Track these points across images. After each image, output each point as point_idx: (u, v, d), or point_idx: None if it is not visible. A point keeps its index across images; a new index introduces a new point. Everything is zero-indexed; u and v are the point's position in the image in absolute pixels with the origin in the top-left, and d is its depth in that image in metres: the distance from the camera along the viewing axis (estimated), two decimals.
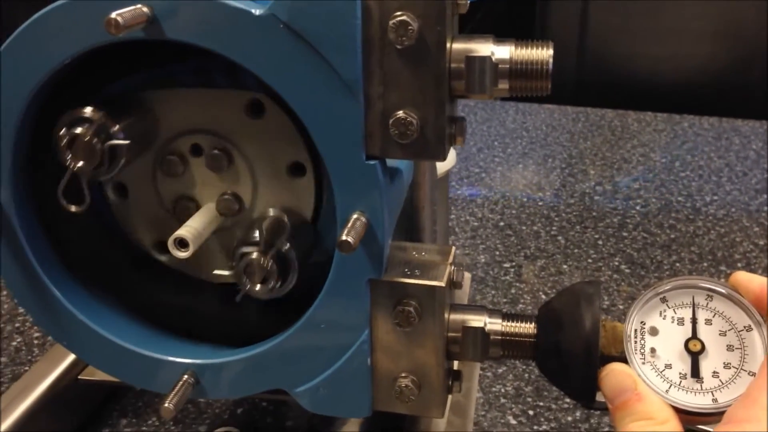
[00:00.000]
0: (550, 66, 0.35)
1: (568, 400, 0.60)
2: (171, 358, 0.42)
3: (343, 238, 0.34)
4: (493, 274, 0.77)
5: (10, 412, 0.51)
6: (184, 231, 0.39)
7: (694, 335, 0.37)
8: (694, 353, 0.37)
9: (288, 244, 0.38)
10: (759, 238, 0.84)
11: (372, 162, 0.36)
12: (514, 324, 0.40)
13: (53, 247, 0.43)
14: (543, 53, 0.35)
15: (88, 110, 0.37)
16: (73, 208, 0.38)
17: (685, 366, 0.37)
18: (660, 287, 0.38)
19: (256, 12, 0.34)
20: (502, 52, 0.35)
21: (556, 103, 1.23)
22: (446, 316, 0.40)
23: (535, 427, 0.57)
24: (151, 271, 0.45)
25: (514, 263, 0.79)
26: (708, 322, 0.37)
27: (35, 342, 0.67)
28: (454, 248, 0.42)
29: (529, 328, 0.40)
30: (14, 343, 0.66)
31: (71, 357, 0.55)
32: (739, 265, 0.79)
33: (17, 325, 0.69)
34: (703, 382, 0.36)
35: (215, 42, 0.35)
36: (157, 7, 0.35)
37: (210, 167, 0.41)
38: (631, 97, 1.28)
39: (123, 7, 0.34)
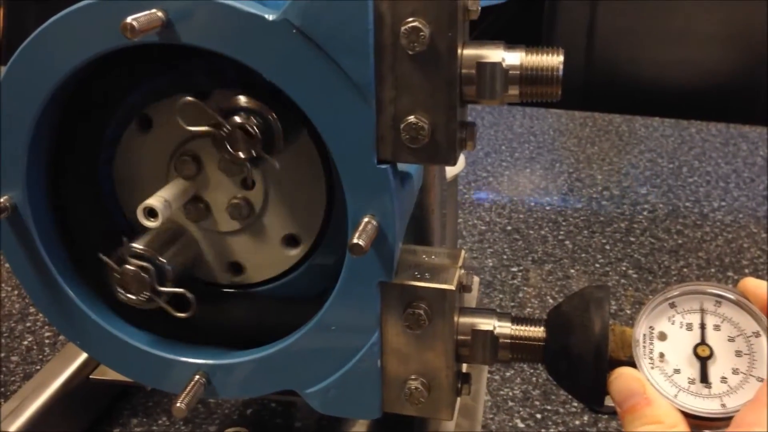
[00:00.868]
0: (561, 72, 0.35)
1: (576, 403, 0.60)
2: (183, 359, 0.42)
3: (354, 241, 0.35)
4: (500, 278, 0.77)
5: (22, 411, 0.51)
6: (154, 200, 0.39)
7: (703, 341, 0.37)
8: (703, 358, 0.37)
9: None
10: (766, 244, 0.84)
11: (383, 166, 0.36)
12: (523, 327, 0.41)
13: (67, 248, 0.43)
14: (553, 59, 0.36)
15: (138, 247, 0.39)
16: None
17: (694, 371, 0.37)
18: (669, 293, 0.38)
19: (270, 17, 0.35)
20: (513, 58, 0.36)
21: (563, 108, 1.23)
22: (456, 319, 0.40)
23: (543, 431, 0.57)
24: None
25: (521, 267, 0.79)
26: (716, 327, 0.37)
27: (47, 341, 0.67)
28: (464, 252, 0.42)
29: (538, 331, 0.40)
30: (26, 342, 0.67)
31: (83, 356, 0.55)
32: (746, 271, 0.79)
33: (29, 324, 0.70)
34: (711, 387, 0.36)
35: (228, 46, 0.36)
36: (172, 12, 0.35)
37: (224, 171, 0.41)
38: (638, 103, 1.28)
39: (138, 12, 0.34)
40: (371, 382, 0.40)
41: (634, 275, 0.78)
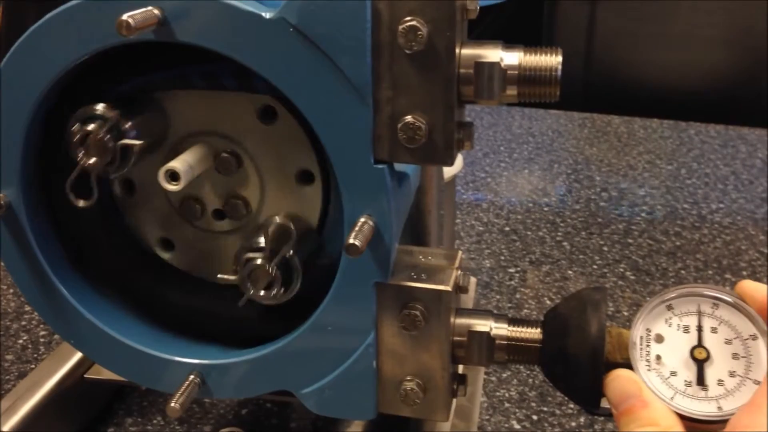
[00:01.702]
0: (559, 72, 0.35)
1: (572, 405, 0.60)
2: (178, 358, 0.42)
3: (351, 241, 0.35)
4: (498, 279, 0.77)
5: (16, 410, 0.51)
6: (177, 163, 0.38)
7: (700, 343, 0.37)
8: (700, 361, 0.37)
9: (293, 252, 0.38)
10: (764, 246, 0.84)
11: (380, 166, 0.36)
12: (519, 329, 0.41)
13: (62, 246, 0.43)
14: (552, 60, 0.35)
15: (101, 107, 0.37)
16: (80, 203, 0.38)
17: (691, 373, 0.37)
18: (666, 295, 0.38)
19: (267, 15, 0.35)
20: (511, 58, 0.36)
21: (562, 109, 1.23)
22: (452, 320, 0.40)
23: None
24: (159, 271, 0.45)
25: (519, 268, 0.79)
26: (714, 330, 0.37)
27: (41, 340, 0.67)
28: (460, 253, 0.42)
29: (534, 333, 0.40)
30: (20, 341, 0.67)
31: (77, 355, 0.55)
32: (744, 273, 0.79)
33: (23, 323, 0.69)
34: (708, 389, 0.36)
35: (225, 45, 0.35)
36: (168, 10, 0.35)
37: (219, 170, 0.41)
38: (637, 104, 1.28)
39: (134, 9, 0.34)
40: (367, 382, 0.40)
41: (632, 277, 0.78)
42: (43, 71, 0.38)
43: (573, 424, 0.58)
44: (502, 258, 0.81)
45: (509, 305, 0.73)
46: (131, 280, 0.45)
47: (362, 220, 0.36)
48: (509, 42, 0.36)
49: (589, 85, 1.50)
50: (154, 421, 0.58)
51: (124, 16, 0.33)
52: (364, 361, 0.40)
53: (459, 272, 0.40)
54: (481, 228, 0.88)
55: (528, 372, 0.63)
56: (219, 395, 0.43)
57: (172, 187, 0.38)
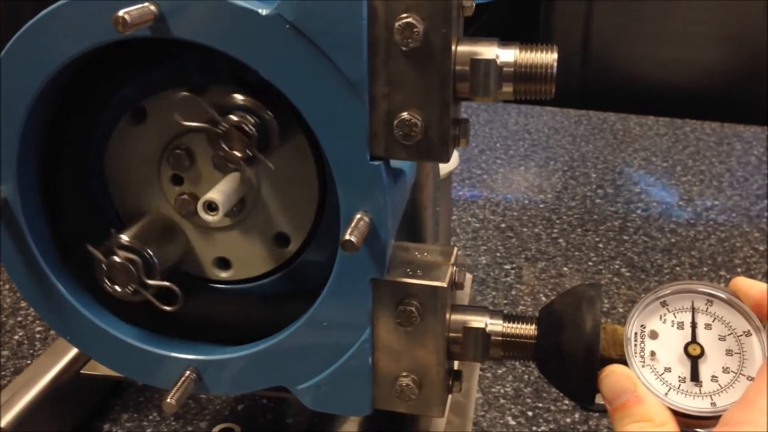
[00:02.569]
0: (554, 70, 0.35)
1: (567, 401, 0.60)
2: (174, 354, 0.42)
3: (347, 237, 0.35)
4: (493, 276, 0.78)
5: (12, 405, 0.51)
6: (215, 194, 0.39)
7: (694, 339, 0.37)
8: (694, 357, 0.37)
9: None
10: (759, 243, 0.84)
11: (376, 162, 0.36)
12: (515, 325, 0.41)
13: (57, 242, 0.43)
14: (547, 57, 0.36)
15: (125, 238, 0.39)
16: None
17: (685, 370, 0.37)
18: (660, 291, 0.38)
19: (263, 12, 0.35)
20: (507, 55, 0.36)
21: (558, 106, 1.23)
22: (448, 316, 0.40)
23: (534, 428, 0.58)
24: None
25: (514, 265, 0.80)
26: (708, 326, 0.37)
27: (37, 336, 0.67)
28: (456, 249, 0.42)
29: (530, 329, 0.40)
30: (16, 337, 0.67)
31: (73, 351, 0.55)
32: (738, 270, 0.79)
33: (19, 318, 0.69)
34: (702, 385, 0.37)
35: (221, 41, 0.35)
36: (164, 6, 0.35)
37: (216, 166, 0.41)
38: (633, 101, 1.28)
39: (130, 5, 0.34)
40: (362, 378, 0.40)
41: (627, 273, 0.78)
42: (39, 67, 0.38)
43: (568, 420, 0.58)
44: (498, 255, 0.81)
45: (505, 302, 0.73)
46: None
47: (358, 216, 0.36)
48: (506, 39, 0.36)
49: (585, 82, 1.50)
50: (150, 417, 0.58)
51: (121, 12, 0.33)
52: (360, 357, 0.40)
53: (455, 268, 0.40)
54: (477, 225, 0.88)
55: (523, 368, 0.64)
56: (215, 391, 0.43)
57: (210, 218, 0.39)
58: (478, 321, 0.41)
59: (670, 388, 0.37)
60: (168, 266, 0.41)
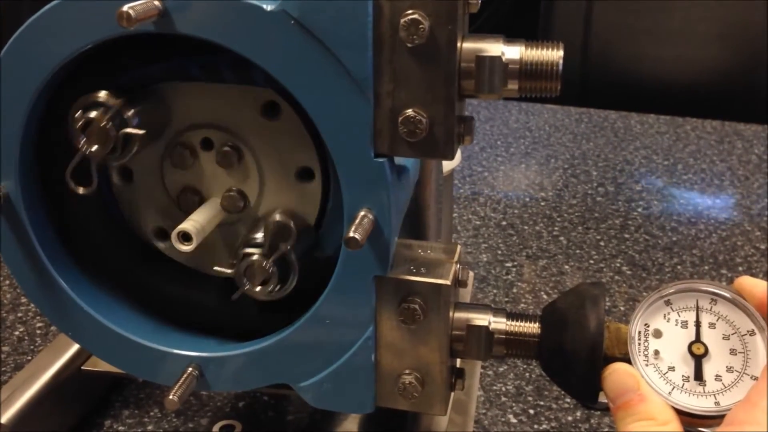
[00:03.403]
0: (560, 67, 0.35)
1: (568, 399, 0.60)
2: (175, 351, 0.42)
3: (351, 234, 0.35)
4: (494, 273, 0.77)
5: (12, 401, 0.51)
6: (188, 225, 0.39)
7: (698, 338, 0.37)
8: (698, 356, 0.37)
9: (290, 249, 0.38)
10: (760, 242, 0.84)
11: (380, 160, 0.36)
12: (518, 323, 0.41)
13: (60, 238, 0.43)
14: (553, 54, 0.35)
15: (104, 95, 0.37)
16: (80, 190, 0.38)
17: (689, 369, 0.37)
18: (664, 290, 0.38)
19: (267, 8, 0.34)
20: (513, 52, 0.36)
21: (559, 104, 1.22)
22: (451, 314, 0.40)
23: (536, 426, 0.58)
24: (157, 263, 0.45)
25: (515, 263, 0.79)
26: (711, 325, 0.37)
27: (38, 332, 0.67)
28: (459, 246, 0.42)
29: (533, 327, 0.40)
30: (17, 333, 0.67)
31: (74, 347, 0.55)
32: (740, 268, 0.79)
33: (20, 314, 0.69)
34: (705, 385, 0.37)
35: (225, 37, 0.35)
36: (169, 1, 0.35)
37: (219, 163, 0.41)
38: (634, 99, 1.28)
39: (135, 0, 0.34)
40: (365, 376, 0.40)
41: (628, 272, 0.78)
42: (41, 62, 0.37)
43: (569, 418, 0.58)
44: (499, 252, 0.81)
45: (506, 299, 0.73)
46: (129, 273, 0.45)
47: (362, 213, 0.36)
48: (507, 37, 0.36)
49: (586, 80, 1.50)
50: (151, 414, 0.58)
51: (125, 8, 0.33)
52: (363, 355, 0.40)
53: (458, 266, 0.40)
54: (478, 222, 0.88)
55: (525, 366, 0.64)
56: (217, 388, 0.43)
57: (184, 248, 0.39)
58: (481, 319, 0.41)
59: (674, 387, 0.37)
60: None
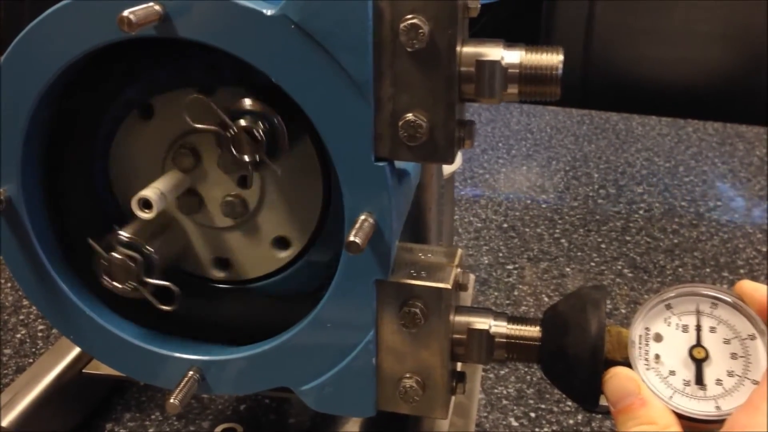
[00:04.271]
0: (560, 72, 0.35)
1: (569, 403, 0.60)
2: (177, 354, 0.42)
3: (351, 238, 0.35)
4: (496, 276, 0.77)
5: (14, 404, 0.51)
6: (149, 191, 0.39)
7: (699, 343, 0.37)
8: (699, 360, 0.37)
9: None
10: (762, 244, 0.84)
11: (381, 163, 0.36)
12: (519, 327, 0.41)
13: (60, 240, 0.43)
14: (553, 58, 0.35)
15: (125, 235, 0.39)
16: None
17: (689, 373, 0.37)
18: (665, 294, 0.38)
19: (268, 12, 0.35)
20: (513, 56, 0.36)
21: (560, 106, 1.22)
22: (452, 317, 0.40)
23: (537, 430, 0.57)
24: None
25: (517, 265, 0.79)
26: (712, 329, 0.37)
27: (39, 335, 0.67)
28: (460, 250, 0.42)
29: (534, 331, 0.40)
30: (18, 336, 0.67)
31: (76, 350, 0.55)
32: (741, 271, 0.79)
33: (21, 317, 0.69)
34: (706, 389, 0.36)
35: (226, 41, 0.35)
36: (170, 6, 0.35)
37: (222, 167, 0.41)
38: (636, 101, 1.27)
39: (136, 5, 0.34)
40: (366, 380, 0.40)
41: (630, 274, 0.78)
42: (43, 66, 0.37)
43: (570, 421, 0.58)
44: (500, 255, 0.81)
45: (507, 302, 0.73)
46: None
47: (363, 217, 0.36)
48: (507, 40, 0.36)
49: (587, 81, 1.50)
50: (153, 417, 0.58)
51: (126, 12, 0.33)
52: (364, 359, 0.40)
53: (459, 270, 0.40)
54: (479, 224, 0.88)
55: (526, 369, 0.64)
56: (218, 391, 0.43)
57: (144, 215, 0.39)
58: (482, 323, 0.41)
59: (675, 392, 0.37)
60: (168, 263, 0.41)
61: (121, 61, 0.40)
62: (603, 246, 0.83)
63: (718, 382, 0.36)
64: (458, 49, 0.35)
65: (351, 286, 0.39)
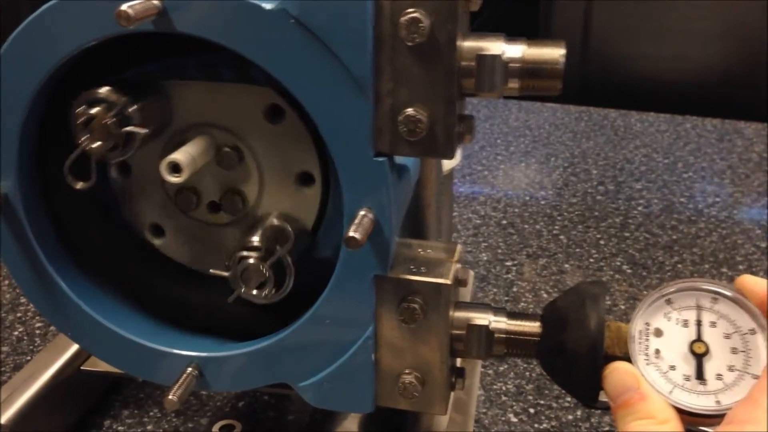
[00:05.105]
0: (562, 66, 0.35)
1: (569, 398, 0.60)
2: (175, 351, 0.42)
3: (350, 234, 0.35)
4: (494, 272, 0.77)
5: (12, 402, 0.51)
6: (180, 155, 0.38)
7: (699, 337, 0.37)
8: (699, 355, 0.37)
9: (287, 253, 0.38)
10: (761, 240, 0.84)
11: (380, 159, 0.36)
12: (518, 322, 0.41)
13: (59, 238, 0.43)
14: (554, 52, 0.35)
15: (107, 91, 0.36)
16: (79, 185, 0.38)
17: (690, 368, 0.37)
18: (665, 289, 0.38)
19: (267, 6, 0.34)
20: (514, 50, 0.35)
21: (559, 102, 1.22)
22: (451, 313, 0.40)
23: (536, 425, 0.57)
24: (156, 263, 0.45)
25: (516, 261, 0.79)
26: (713, 324, 0.37)
27: (37, 332, 0.67)
28: (459, 246, 0.42)
29: (533, 327, 0.40)
30: (16, 333, 0.67)
31: (74, 347, 0.55)
32: (740, 267, 0.79)
33: (19, 314, 0.69)
34: (706, 384, 0.36)
35: (225, 36, 0.35)
36: (168, 0, 0.35)
37: (219, 163, 0.41)
38: (634, 97, 1.27)
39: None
40: (365, 375, 0.40)
41: (629, 270, 0.78)
42: (40, 62, 0.37)
43: (570, 417, 0.58)
44: (499, 251, 0.81)
45: (506, 298, 0.73)
46: (128, 272, 0.45)
47: (362, 213, 0.36)
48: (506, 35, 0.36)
49: (585, 78, 1.50)
50: (151, 413, 0.58)
51: (124, 7, 0.33)
52: (363, 354, 0.40)
53: (458, 265, 0.40)
54: (478, 221, 0.88)
55: (525, 365, 0.64)
56: (216, 388, 0.43)
57: (174, 179, 0.38)
58: (481, 318, 0.41)
59: (675, 386, 0.37)
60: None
61: (113, 55, 0.39)
62: (602, 242, 0.83)
63: (719, 376, 0.36)
64: (459, 43, 0.34)
65: (350, 281, 0.39)
